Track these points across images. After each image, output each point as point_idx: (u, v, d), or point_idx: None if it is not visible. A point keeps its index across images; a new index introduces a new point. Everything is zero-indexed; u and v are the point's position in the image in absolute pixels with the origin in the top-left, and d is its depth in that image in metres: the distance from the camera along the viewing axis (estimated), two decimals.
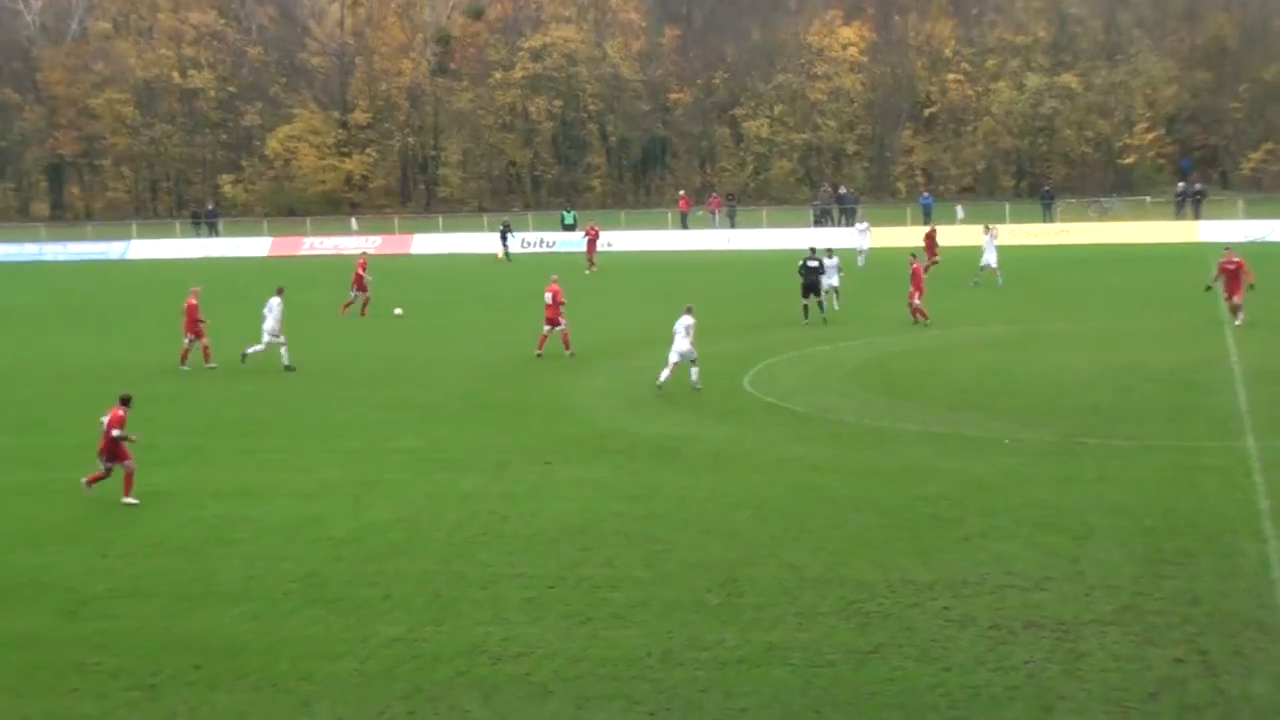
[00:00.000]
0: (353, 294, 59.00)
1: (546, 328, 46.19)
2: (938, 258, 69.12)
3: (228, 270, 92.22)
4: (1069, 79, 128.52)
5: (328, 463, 31.74)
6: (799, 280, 53.33)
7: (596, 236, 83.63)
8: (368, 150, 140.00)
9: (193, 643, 20.42)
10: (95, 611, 21.98)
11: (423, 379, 43.24)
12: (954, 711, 17.19)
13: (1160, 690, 17.55)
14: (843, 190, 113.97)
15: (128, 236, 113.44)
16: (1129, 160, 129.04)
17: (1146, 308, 54.56)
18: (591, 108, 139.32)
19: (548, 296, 46.50)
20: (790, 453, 31.36)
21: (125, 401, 28.66)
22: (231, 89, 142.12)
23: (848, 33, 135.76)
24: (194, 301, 46.29)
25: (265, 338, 45.89)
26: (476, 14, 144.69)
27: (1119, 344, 45.54)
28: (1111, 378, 39.52)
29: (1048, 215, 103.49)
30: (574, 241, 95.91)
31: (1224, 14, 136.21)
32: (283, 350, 45.65)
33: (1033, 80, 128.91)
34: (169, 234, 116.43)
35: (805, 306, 52.96)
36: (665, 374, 39.48)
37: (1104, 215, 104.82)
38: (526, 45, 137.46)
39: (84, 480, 28.72)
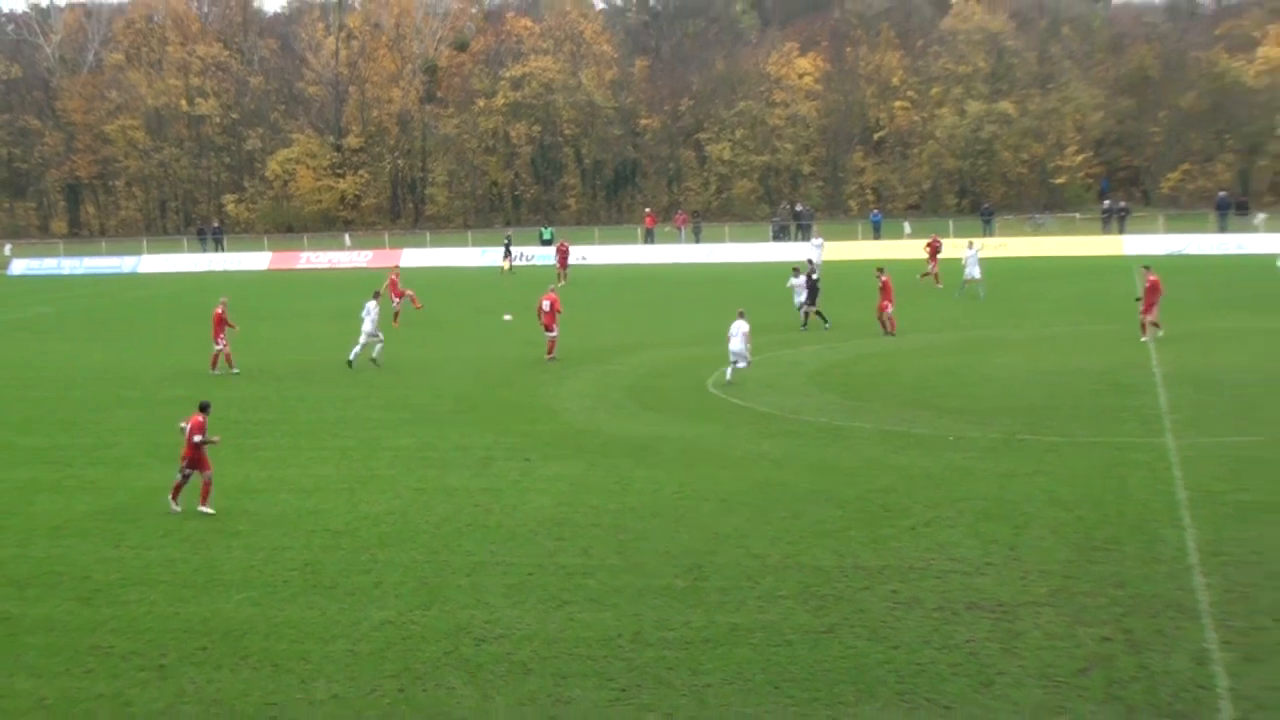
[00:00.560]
0: (395, 303, 58.94)
1: (547, 335, 46.42)
2: (937, 269, 68.70)
3: (231, 283, 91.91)
4: (1006, 106, 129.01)
5: (324, 460, 31.68)
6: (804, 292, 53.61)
7: (567, 251, 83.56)
8: (360, 171, 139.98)
9: (199, 626, 20.38)
10: (109, 598, 21.91)
11: (414, 382, 43.17)
12: (901, 686, 17.22)
13: (1089, 666, 17.60)
14: (799, 208, 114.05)
15: (139, 252, 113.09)
16: (1061, 180, 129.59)
17: (1078, 315, 54.69)
18: (567, 132, 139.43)
19: (545, 305, 46.55)
20: (753, 450, 31.38)
21: (204, 408, 27.45)
22: (235, 116, 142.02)
23: (803, 63, 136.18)
24: (220, 311, 46.20)
25: (363, 338, 46.65)
26: (461, 46, 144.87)
27: (1054, 349, 45.66)
28: (1047, 380, 39.62)
29: (988, 230, 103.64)
30: (551, 256, 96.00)
31: (1145, 46, 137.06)
32: (377, 348, 46.52)
33: (973, 107, 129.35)
34: (177, 249, 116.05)
35: (806, 315, 53.07)
36: (730, 372, 40.74)
37: (1039, 230, 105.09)
38: (507, 75, 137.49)
39: (169, 497, 27.25)
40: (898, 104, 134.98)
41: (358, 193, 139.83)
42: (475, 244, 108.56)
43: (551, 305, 46.34)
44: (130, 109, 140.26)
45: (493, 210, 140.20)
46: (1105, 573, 21.19)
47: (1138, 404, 35.27)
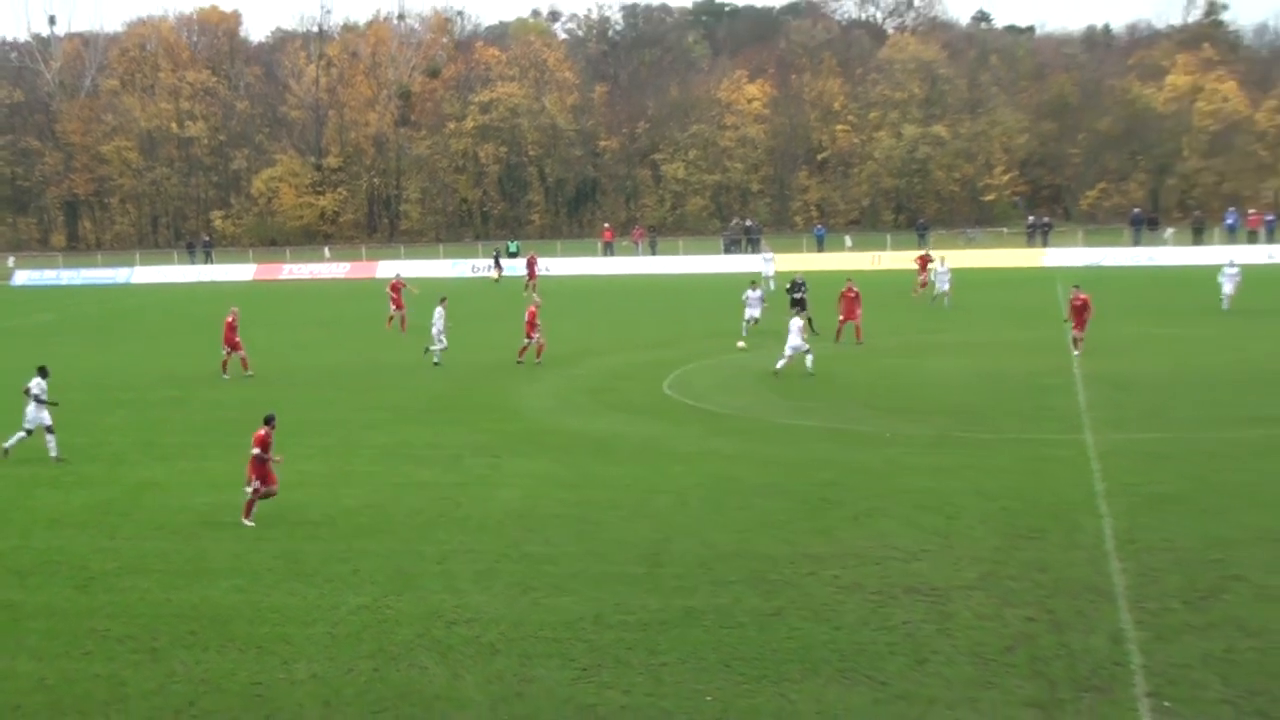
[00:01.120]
0: (394, 312, 58.63)
1: (534, 340, 46.34)
2: (926, 278, 67.74)
3: (219, 293, 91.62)
4: (939, 129, 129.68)
5: (307, 457, 31.47)
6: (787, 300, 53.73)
7: (535, 262, 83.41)
8: (339, 189, 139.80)
9: (188, 612, 20.25)
10: (104, 586, 21.74)
11: (392, 385, 43.02)
12: (843, 664, 17.23)
13: (1016, 645, 17.65)
14: (749, 223, 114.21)
15: (132, 264, 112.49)
16: (990, 197, 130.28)
17: (1006, 322, 54.92)
18: (532, 153, 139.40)
19: (528, 315, 46.62)
20: (706, 446, 31.38)
21: (269, 421, 25.77)
22: (222, 137, 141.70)
23: (752, 89, 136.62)
24: (231, 320, 45.86)
25: (437, 341, 47.14)
26: (433, 73, 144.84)
27: (984, 353, 45.81)
28: (978, 382, 39.79)
29: (922, 244, 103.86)
30: (515, 268, 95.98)
31: (1065, 75, 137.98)
32: (438, 353, 46.94)
33: (909, 130, 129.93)
34: (168, 261, 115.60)
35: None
36: (781, 363, 41.50)
37: (970, 244, 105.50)
38: (476, 100, 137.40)
39: (246, 520, 25.40)
40: (839, 127, 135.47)
41: (337, 209, 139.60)
42: (446, 256, 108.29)
43: (530, 315, 46.40)
44: (125, 131, 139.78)
45: (462, 225, 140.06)
46: (1030, 559, 21.26)
47: (1059, 404, 35.44)
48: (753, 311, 52.50)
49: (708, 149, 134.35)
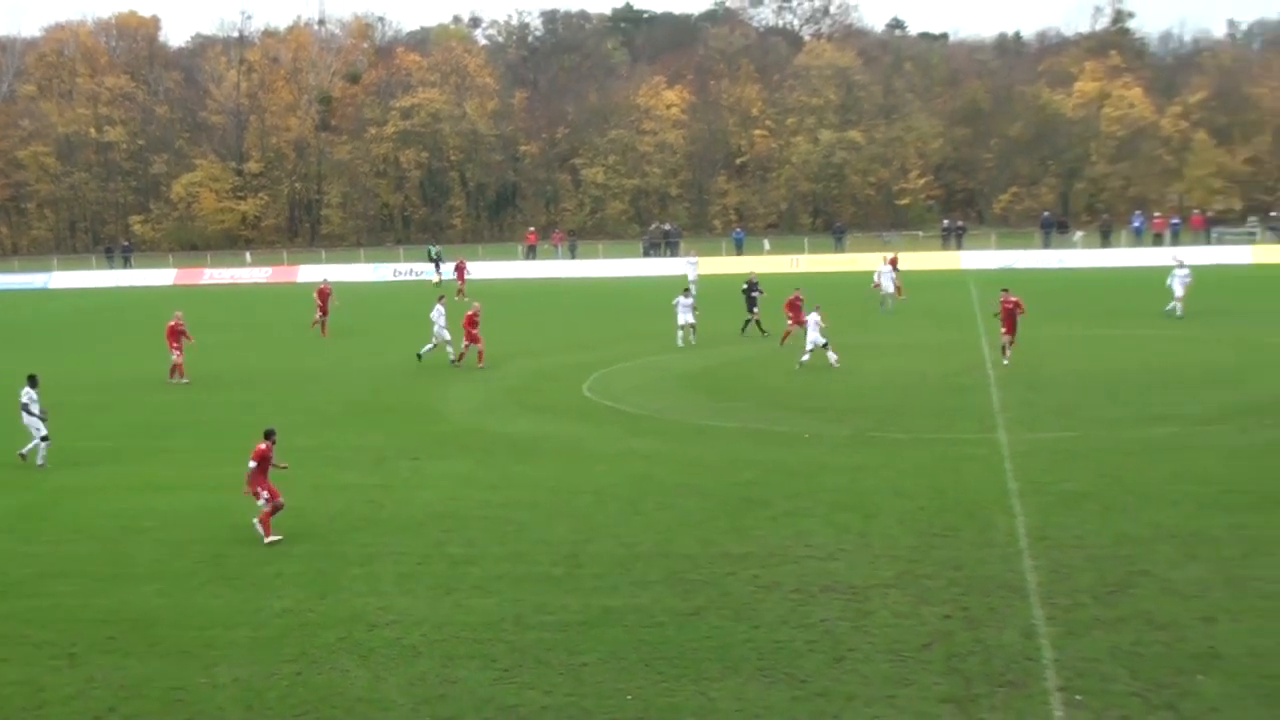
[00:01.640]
0: (319, 317, 58.04)
1: (476, 345, 46.24)
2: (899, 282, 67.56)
3: (137, 298, 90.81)
4: (855, 134, 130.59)
5: (229, 460, 31.07)
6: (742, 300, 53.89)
7: (464, 267, 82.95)
8: (260, 194, 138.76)
9: (108, 617, 19.98)
10: (23, 591, 21.43)
11: (314, 388, 42.72)
12: (762, 662, 17.27)
13: (932, 641, 17.76)
14: (668, 227, 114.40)
15: (50, 269, 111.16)
16: (905, 202, 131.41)
17: (921, 324, 55.32)
18: (453, 158, 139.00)
19: (466, 318, 46.51)
20: (626, 447, 31.38)
21: (269, 436, 24.98)
22: (141, 142, 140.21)
23: (670, 95, 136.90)
24: (174, 324, 45.20)
25: (441, 339, 47.06)
26: (354, 78, 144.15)
27: (900, 354, 46.12)
28: (894, 382, 40.05)
29: (839, 247, 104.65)
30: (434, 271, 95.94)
31: (978, 81, 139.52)
32: (449, 348, 46.95)
33: (825, 135, 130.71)
34: (86, 266, 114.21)
35: (746, 322, 53.07)
36: (805, 357, 43.10)
37: (885, 247, 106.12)
38: (397, 105, 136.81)
39: (263, 535, 24.25)
40: (757, 132, 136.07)
41: (258, 214, 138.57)
42: (368, 260, 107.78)
43: (469, 320, 46.19)
44: (42, 136, 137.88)
45: (384, 230, 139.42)
46: (945, 557, 21.41)
47: (974, 404, 35.74)
48: (685, 318, 50.83)
49: (627, 154, 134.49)
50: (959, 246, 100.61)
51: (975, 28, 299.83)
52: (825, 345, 43.12)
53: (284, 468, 25.26)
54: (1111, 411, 33.95)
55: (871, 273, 67.15)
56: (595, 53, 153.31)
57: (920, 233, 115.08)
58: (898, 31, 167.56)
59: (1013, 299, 42.54)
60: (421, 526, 24.54)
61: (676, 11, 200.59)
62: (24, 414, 31.31)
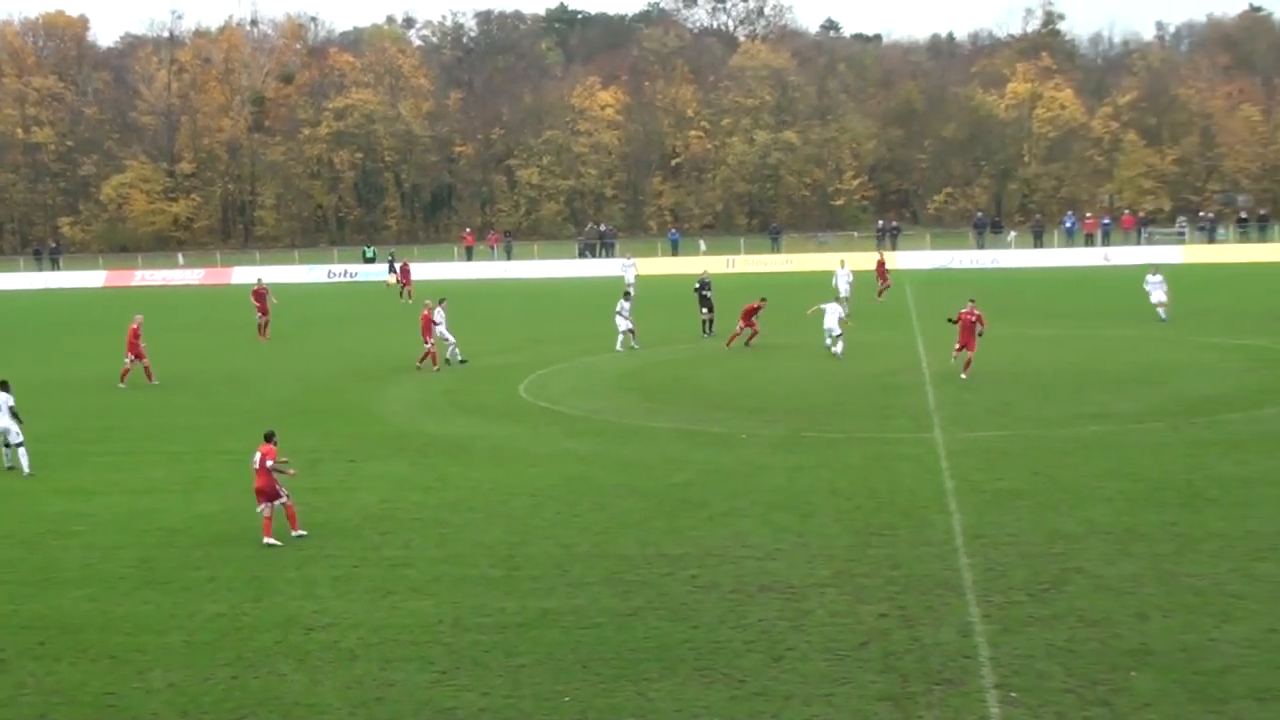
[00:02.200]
0: (260, 319, 57.39)
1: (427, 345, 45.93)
2: (889, 283, 67.27)
3: (67, 300, 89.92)
4: (790, 135, 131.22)
5: (158, 464, 30.93)
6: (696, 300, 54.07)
7: (409, 269, 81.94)
8: (192, 195, 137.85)
9: (37, 623, 19.73)
10: None
11: (247, 390, 42.39)
12: (701, 662, 17.28)
13: (869, 640, 17.83)
14: (603, 228, 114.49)
15: None
16: (840, 202, 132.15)
17: (855, 323, 55.47)
18: (388, 159, 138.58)
19: (422, 320, 46.20)
20: (562, 448, 31.34)
21: (269, 437, 24.51)
22: (70, 143, 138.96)
23: (605, 96, 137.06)
24: (135, 328, 44.62)
25: (445, 341, 46.66)
26: (287, 79, 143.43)
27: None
28: (829, 382, 40.20)
29: (775, 248, 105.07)
30: (374, 273, 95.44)
31: (912, 82, 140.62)
32: (452, 348, 46.72)
33: (761, 136, 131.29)
34: (13, 269, 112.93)
35: (703, 322, 52.99)
36: (839, 348, 44.63)
37: (821, 247, 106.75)
38: (331, 106, 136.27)
39: (265, 539, 23.76)
40: (692, 133, 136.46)
41: (190, 215, 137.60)
42: (302, 262, 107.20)
43: (425, 321, 45.85)
44: None
45: (318, 231, 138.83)
46: (882, 555, 21.51)
47: (909, 403, 35.93)
48: (626, 324, 49.91)
49: (562, 155, 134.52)
50: (894, 247, 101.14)
51: (908, 29, 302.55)
52: (839, 336, 44.77)
53: (293, 473, 24.67)
54: (1045, 410, 34.24)
55: (830, 273, 66.75)
56: (530, 53, 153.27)
57: (855, 233, 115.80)
58: (832, 33, 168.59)
59: (976, 312, 39.92)
60: (358, 529, 24.41)
61: (611, 12, 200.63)
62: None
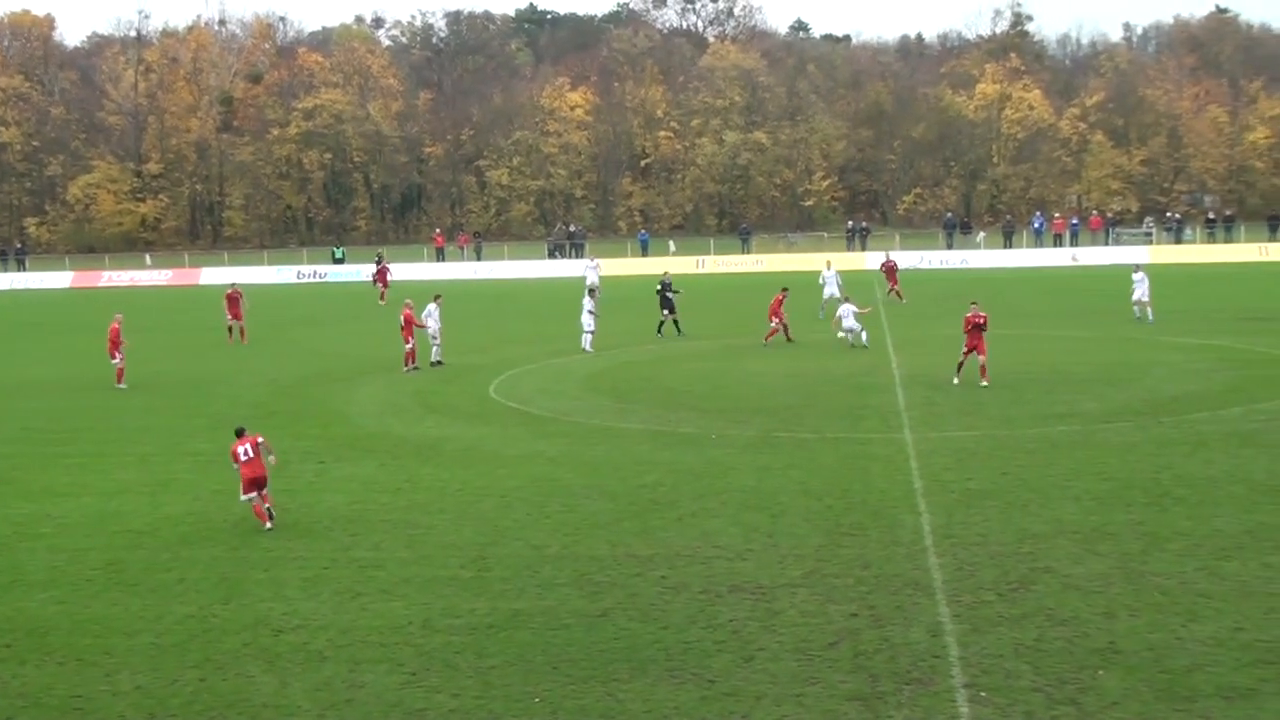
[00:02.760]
0: (230, 322, 56.86)
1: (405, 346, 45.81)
2: (898, 286, 66.45)
3: (33, 300, 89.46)
4: (760, 136, 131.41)
5: (126, 465, 30.78)
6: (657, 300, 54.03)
7: (387, 270, 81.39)
8: (160, 196, 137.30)
9: (3, 625, 19.58)
10: None
11: (216, 391, 42.23)
12: (671, 663, 17.28)
13: (839, 640, 17.85)
14: (573, 228, 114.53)
15: None
16: (810, 203, 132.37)
17: (825, 323, 55.58)
18: (357, 159, 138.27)
19: (401, 319, 46.16)
20: (531, 449, 31.30)
21: (240, 433, 24.87)
22: (36, 143, 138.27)
23: (575, 96, 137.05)
24: (116, 327, 44.34)
25: (432, 340, 46.29)
26: (255, 79, 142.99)
27: (804, 354, 46.40)
28: (799, 382, 40.25)
29: (745, 248, 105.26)
30: (343, 274, 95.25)
31: (881, 83, 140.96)
32: (436, 348, 46.29)
33: (730, 137, 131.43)
34: None
35: (661, 323, 52.84)
36: (864, 338, 47.57)
37: (791, 248, 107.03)
38: (300, 106, 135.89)
39: (267, 524, 24.40)
40: (662, 134, 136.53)
41: (158, 216, 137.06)
42: (271, 263, 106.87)
43: (406, 319, 45.68)
44: None
45: (287, 231, 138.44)
46: (852, 555, 21.54)
47: (879, 403, 36.01)
48: (590, 327, 49.67)
49: (531, 155, 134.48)
50: (863, 247, 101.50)
51: (878, 30, 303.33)
52: (861, 330, 47.47)
53: (272, 462, 25.18)
54: (1013, 410, 34.35)
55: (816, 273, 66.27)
56: (499, 54, 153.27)
57: (825, 234, 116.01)
58: (801, 34, 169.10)
59: (982, 314, 38.49)
60: (327, 530, 24.33)
61: (580, 13, 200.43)
62: None
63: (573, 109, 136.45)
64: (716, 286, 68.54)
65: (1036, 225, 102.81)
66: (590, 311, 49.63)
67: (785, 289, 50.73)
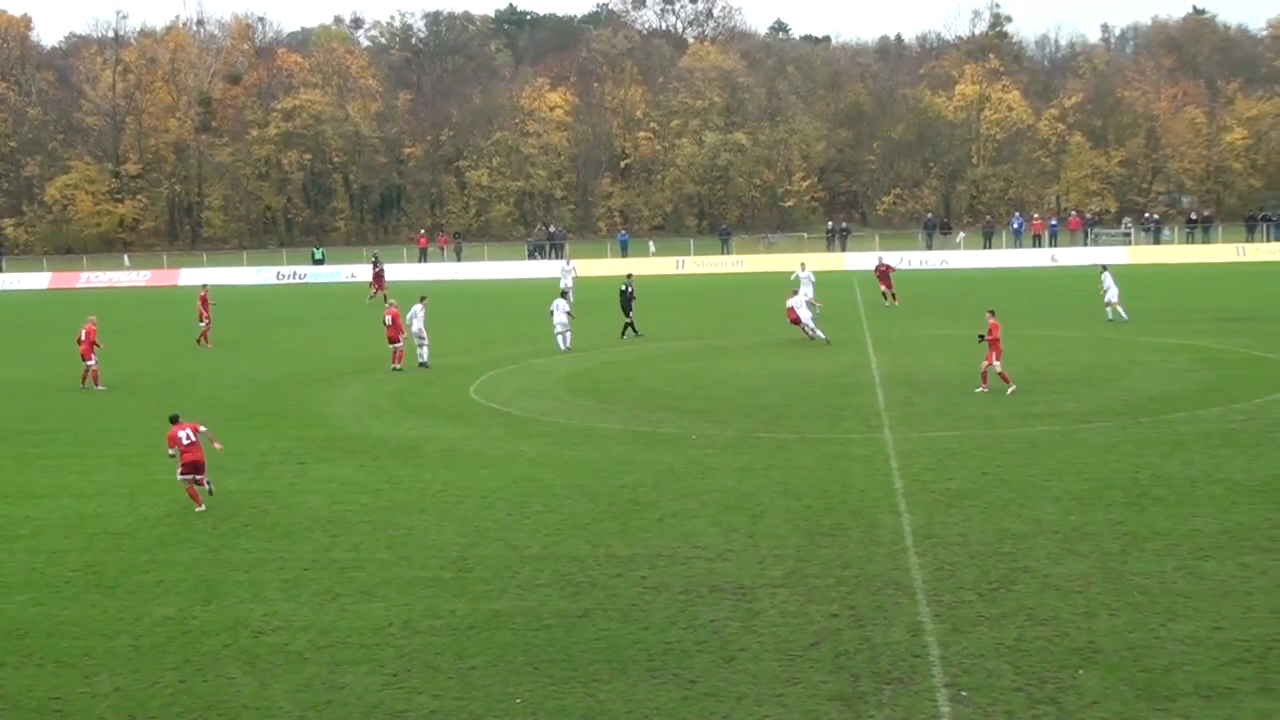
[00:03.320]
0: (201, 323, 56.54)
1: (390, 346, 45.75)
2: (893, 289, 64.81)
3: (10, 301, 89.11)
4: (740, 136, 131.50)
5: (105, 467, 30.67)
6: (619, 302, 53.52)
7: (382, 272, 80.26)
8: (139, 197, 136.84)
9: None
10: None
11: (195, 393, 42.07)
12: (651, 663, 17.29)
13: (820, 640, 17.88)
14: (553, 229, 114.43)
15: None
16: (790, 203, 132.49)
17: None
18: (336, 160, 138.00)
19: (387, 319, 46.16)
20: (512, 450, 31.28)
21: (174, 419, 26.01)
22: (13, 144, 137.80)
23: (554, 97, 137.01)
24: (91, 329, 44.12)
25: (417, 340, 45.98)
26: (234, 79, 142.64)
27: (784, 354, 46.43)
28: (779, 382, 40.28)
29: (725, 249, 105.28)
30: (323, 274, 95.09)
31: (860, 84, 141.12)
32: (423, 349, 45.96)
33: (710, 137, 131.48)
34: None
35: (625, 325, 52.73)
36: (820, 335, 47.88)
37: (771, 248, 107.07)
38: (279, 107, 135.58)
39: (199, 507, 25.74)
40: (641, 134, 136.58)
41: (136, 216, 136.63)
42: (250, 264, 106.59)
43: (393, 319, 45.61)
44: None
45: (267, 232, 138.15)
46: (832, 555, 21.57)
47: (859, 403, 36.05)
48: (561, 324, 49.67)
49: (511, 156, 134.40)
50: (843, 248, 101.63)
51: (857, 31, 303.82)
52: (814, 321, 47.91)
53: (219, 447, 26.74)
54: (993, 410, 34.43)
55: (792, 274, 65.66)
56: (479, 54, 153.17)
57: (805, 235, 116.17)
58: (781, 34, 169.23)
59: (995, 323, 37.35)
60: (307, 531, 24.29)
61: (560, 13, 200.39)
62: None
63: (552, 110, 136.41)
64: (696, 287, 68.56)
65: (1016, 226, 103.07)
66: (567, 312, 49.57)
67: (795, 291, 51.00)
